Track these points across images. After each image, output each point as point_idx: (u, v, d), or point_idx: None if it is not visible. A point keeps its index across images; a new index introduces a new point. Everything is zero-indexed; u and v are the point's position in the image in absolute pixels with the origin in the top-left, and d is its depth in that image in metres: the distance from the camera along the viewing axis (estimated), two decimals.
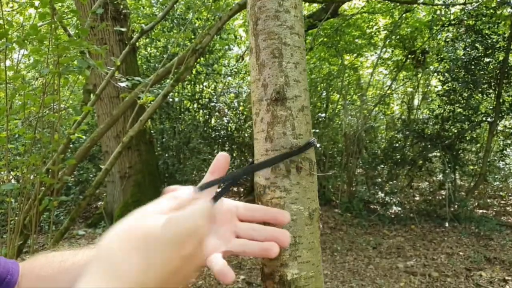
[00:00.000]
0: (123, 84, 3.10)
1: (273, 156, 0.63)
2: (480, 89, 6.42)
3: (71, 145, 4.25)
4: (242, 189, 8.52)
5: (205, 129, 8.15)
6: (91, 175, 6.87)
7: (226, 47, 8.50)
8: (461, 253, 4.78)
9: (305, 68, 0.67)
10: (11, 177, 3.59)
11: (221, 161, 0.63)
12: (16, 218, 3.37)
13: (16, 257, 3.70)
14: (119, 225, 0.45)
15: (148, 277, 0.41)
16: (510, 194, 8.06)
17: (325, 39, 7.45)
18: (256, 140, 0.67)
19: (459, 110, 6.63)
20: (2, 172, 3.61)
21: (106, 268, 0.41)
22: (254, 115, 0.68)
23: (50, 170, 3.19)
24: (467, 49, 6.51)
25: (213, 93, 8.67)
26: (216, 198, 0.59)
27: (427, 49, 7.37)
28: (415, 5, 6.81)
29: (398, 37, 7.48)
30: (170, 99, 7.34)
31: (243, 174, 0.66)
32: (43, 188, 3.44)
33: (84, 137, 4.70)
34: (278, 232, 0.59)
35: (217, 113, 8.24)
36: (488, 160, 6.90)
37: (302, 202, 0.63)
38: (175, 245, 0.44)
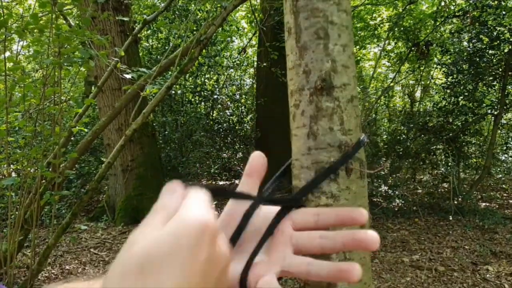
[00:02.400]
0: (128, 76, 3.02)
1: (320, 172, 0.54)
2: (484, 82, 6.36)
3: (72, 138, 4.18)
4: None
5: (207, 121, 8.08)
6: (92, 168, 6.80)
7: (228, 39, 8.40)
8: (466, 247, 4.74)
9: (353, 52, 0.59)
10: (11, 170, 3.53)
11: (258, 162, 0.53)
12: (17, 212, 3.31)
13: (17, 252, 3.65)
14: (119, 254, 0.36)
15: None
16: None
17: None
18: (296, 136, 0.58)
19: (463, 102, 6.57)
20: (3, 166, 3.55)
21: None
22: (292, 107, 0.59)
23: (51, 164, 3.13)
24: (472, 41, 6.43)
25: (215, 86, 8.60)
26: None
27: (431, 41, 7.28)
28: None
29: (401, 29, 7.39)
30: (173, 92, 7.27)
31: (281, 201, 0.53)
32: (43, 182, 3.38)
33: (86, 130, 4.63)
34: (363, 235, 0.45)
35: (219, 106, 8.17)
36: (492, 153, 6.86)
37: None
38: (186, 255, 0.34)
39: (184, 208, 0.38)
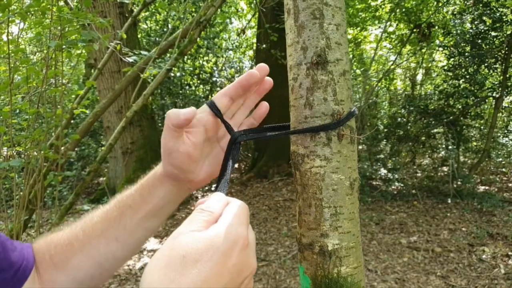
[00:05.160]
0: (130, 60, 3.02)
1: (315, 126, 0.60)
2: (486, 64, 6.33)
3: (71, 121, 4.21)
4: (242, 166, 8.53)
5: None
6: (92, 151, 6.85)
7: (227, 20, 8.34)
8: (463, 229, 4.81)
9: (346, 30, 0.63)
10: (14, 152, 3.57)
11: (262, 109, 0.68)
12: (21, 193, 3.36)
13: (22, 231, 3.71)
14: (156, 254, 0.42)
15: None
16: None
17: None
18: (294, 107, 0.64)
19: (464, 85, 6.55)
20: (5, 148, 3.58)
21: None
22: (291, 81, 0.64)
23: (53, 145, 3.16)
24: (475, 23, 6.38)
25: (214, 68, 8.57)
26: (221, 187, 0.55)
27: (432, 22, 7.23)
28: None
29: (403, 10, 7.33)
30: (171, 74, 7.26)
31: (279, 134, 0.63)
32: (45, 164, 3.42)
33: (87, 111, 4.65)
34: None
35: (218, 88, 8.16)
36: (492, 136, 6.88)
37: (343, 171, 0.60)
38: (219, 259, 0.41)
39: (225, 217, 0.45)
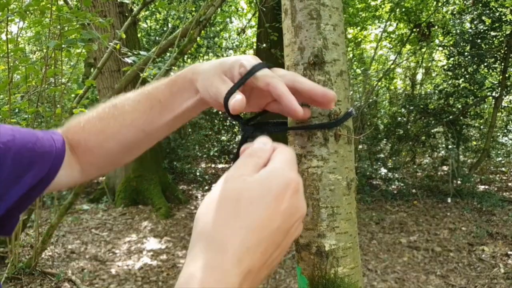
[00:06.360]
0: (129, 60, 3.02)
1: (313, 124, 0.60)
2: (486, 64, 6.33)
3: None
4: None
5: None
6: None
7: (227, 19, 8.33)
8: (463, 228, 4.81)
9: (343, 31, 0.63)
10: None
11: None
12: None
13: (21, 231, 3.72)
14: (207, 198, 0.43)
15: (251, 243, 0.39)
16: None
17: None
18: None
19: (464, 84, 6.55)
20: None
21: (207, 245, 0.40)
22: None
23: None
24: (474, 22, 6.38)
25: None
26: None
27: (432, 22, 7.23)
28: None
29: (403, 10, 7.32)
30: (172, 74, 7.26)
31: (276, 130, 0.61)
32: None
33: (86, 111, 4.65)
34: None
35: None
36: (492, 135, 6.88)
37: (340, 171, 0.60)
38: (271, 202, 0.41)
39: (275, 161, 0.45)
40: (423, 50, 8.07)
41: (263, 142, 0.48)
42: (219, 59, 0.60)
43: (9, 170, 0.54)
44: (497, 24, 6.09)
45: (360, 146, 7.83)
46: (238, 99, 0.53)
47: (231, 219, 0.40)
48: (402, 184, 6.57)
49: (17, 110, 4.48)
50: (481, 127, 7.50)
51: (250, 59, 0.56)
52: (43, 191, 0.61)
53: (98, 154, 0.68)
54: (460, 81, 6.60)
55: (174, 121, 0.65)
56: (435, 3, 7.10)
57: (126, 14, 5.42)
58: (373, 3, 7.63)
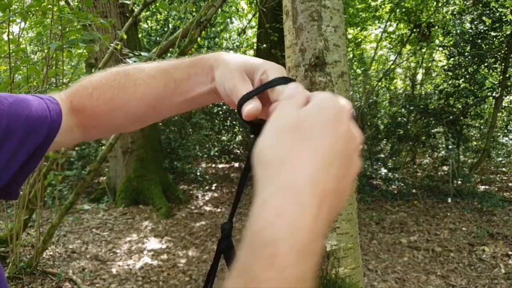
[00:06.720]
0: (130, 61, 3.03)
1: None
2: (486, 64, 6.34)
3: None
4: (242, 165, 8.51)
5: None
6: (92, 151, 6.85)
7: (228, 20, 8.33)
8: (464, 228, 4.81)
9: (344, 32, 0.63)
10: None
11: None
12: (21, 192, 3.36)
13: (22, 231, 3.72)
14: (266, 131, 0.42)
15: (321, 165, 0.38)
16: None
17: None
18: None
19: (464, 85, 6.56)
20: None
21: (277, 170, 0.39)
22: None
23: None
24: (474, 23, 6.38)
25: None
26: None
27: (432, 22, 7.23)
28: None
29: (403, 10, 7.33)
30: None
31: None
32: (46, 163, 3.43)
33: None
34: None
35: None
36: (492, 136, 6.88)
37: None
38: (331, 125, 0.40)
39: (318, 96, 0.44)
40: (423, 50, 8.07)
41: (294, 86, 0.48)
42: (245, 56, 0.59)
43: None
44: (497, 25, 6.09)
45: (361, 146, 7.80)
46: (254, 106, 0.52)
47: (296, 146, 0.39)
48: (402, 184, 6.56)
49: None
50: (482, 127, 7.50)
51: (275, 69, 0.55)
52: (39, 161, 0.62)
53: (104, 120, 0.68)
54: (461, 81, 6.60)
55: (184, 104, 0.64)
56: (435, 3, 7.10)
57: (127, 15, 5.43)
58: (373, 4, 7.64)
